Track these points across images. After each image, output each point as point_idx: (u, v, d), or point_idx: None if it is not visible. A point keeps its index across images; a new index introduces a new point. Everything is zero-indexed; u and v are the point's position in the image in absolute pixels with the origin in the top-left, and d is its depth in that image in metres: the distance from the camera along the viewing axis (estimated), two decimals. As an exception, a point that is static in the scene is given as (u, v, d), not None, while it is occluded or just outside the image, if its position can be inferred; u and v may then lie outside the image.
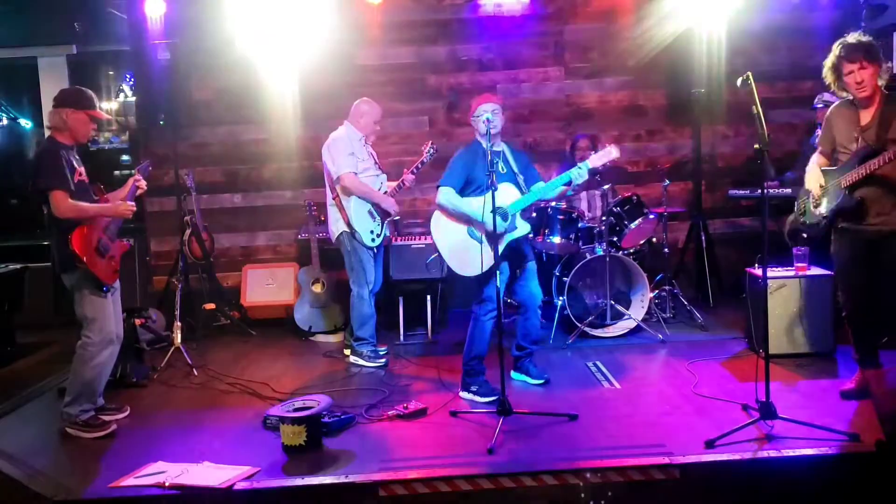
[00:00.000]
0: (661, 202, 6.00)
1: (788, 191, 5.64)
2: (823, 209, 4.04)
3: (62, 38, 7.17)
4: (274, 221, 7.00)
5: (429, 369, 5.11)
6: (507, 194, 4.37)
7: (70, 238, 3.94)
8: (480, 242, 4.36)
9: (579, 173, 4.33)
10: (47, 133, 4.15)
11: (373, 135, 5.30)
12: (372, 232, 5.13)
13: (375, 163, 5.29)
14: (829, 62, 3.97)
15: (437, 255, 4.55)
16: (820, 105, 5.83)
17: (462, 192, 4.45)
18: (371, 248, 5.16)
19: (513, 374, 4.72)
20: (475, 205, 4.37)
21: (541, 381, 4.64)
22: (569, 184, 4.42)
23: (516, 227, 4.44)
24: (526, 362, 4.73)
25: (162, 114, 6.28)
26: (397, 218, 5.61)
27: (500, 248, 4.30)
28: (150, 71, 6.21)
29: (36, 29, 7.13)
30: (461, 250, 4.42)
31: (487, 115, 4.33)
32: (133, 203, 4.23)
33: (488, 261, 4.33)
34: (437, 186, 4.49)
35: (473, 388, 4.44)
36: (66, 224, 3.96)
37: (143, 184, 4.37)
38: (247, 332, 6.26)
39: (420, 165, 5.36)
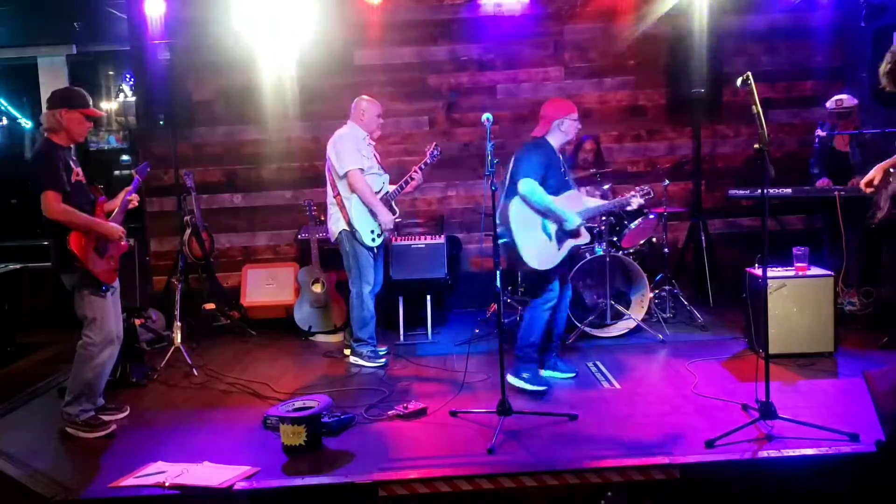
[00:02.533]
0: (661, 202, 6.00)
1: (788, 191, 5.64)
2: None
3: (62, 38, 7.16)
4: (274, 221, 7.01)
5: (429, 369, 5.11)
6: (578, 201, 4.56)
7: (68, 238, 3.93)
8: (551, 239, 4.47)
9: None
10: (44, 134, 4.14)
11: (378, 130, 5.28)
12: (372, 231, 5.11)
13: (378, 163, 5.28)
14: (884, 69, 3.98)
15: (504, 238, 4.33)
16: (832, 106, 5.77)
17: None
18: (371, 249, 5.15)
19: (543, 373, 4.73)
20: (558, 203, 4.48)
21: (572, 375, 4.72)
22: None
23: (580, 235, 4.59)
24: (552, 358, 4.78)
25: (162, 114, 6.27)
26: (399, 220, 5.59)
27: (566, 250, 4.52)
28: (150, 71, 6.21)
29: (36, 29, 7.13)
30: (535, 243, 4.42)
31: (573, 117, 4.51)
32: (121, 229, 4.22)
33: (556, 257, 4.47)
34: (513, 180, 4.41)
35: (525, 375, 4.51)
36: (63, 225, 3.96)
37: (135, 200, 4.37)
38: (247, 332, 6.26)
39: (423, 166, 5.33)
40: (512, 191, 4.43)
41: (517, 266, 4.50)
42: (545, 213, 4.45)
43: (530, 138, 4.61)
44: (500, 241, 4.21)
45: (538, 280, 4.52)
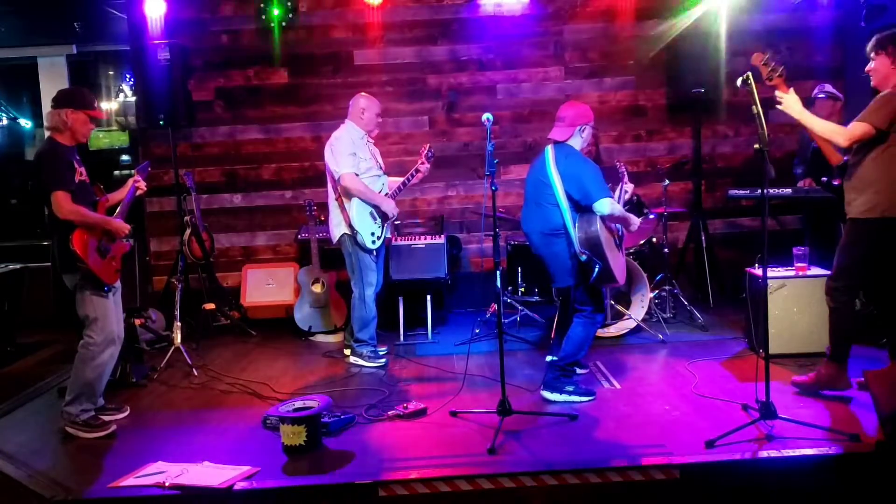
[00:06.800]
0: (661, 202, 6.00)
1: (788, 191, 5.64)
2: None
3: (62, 38, 7.16)
4: (274, 221, 7.01)
5: (429, 369, 5.11)
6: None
7: (71, 238, 3.94)
8: (619, 248, 4.42)
9: None
10: (47, 133, 4.15)
11: (376, 129, 5.26)
12: (373, 234, 5.10)
13: (377, 163, 5.25)
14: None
15: (598, 266, 4.12)
16: (822, 95, 5.84)
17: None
18: (371, 251, 5.15)
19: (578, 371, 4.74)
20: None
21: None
22: None
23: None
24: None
25: (162, 114, 6.27)
26: (398, 222, 5.60)
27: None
28: (150, 71, 6.20)
29: (36, 29, 7.13)
30: (615, 259, 4.29)
31: (592, 125, 4.42)
32: (128, 226, 4.26)
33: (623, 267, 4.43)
34: (589, 201, 4.17)
35: (570, 388, 4.33)
36: (66, 224, 3.97)
37: (142, 185, 4.38)
38: (247, 332, 6.26)
39: (419, 168, 5.27)
40: (584, 212, 4.20)
41: (598, 285, 4.28)
42: (624, 225, 4.44)
43: (550, 141, 4.39)
44: (597, 271, 4.08)
45: (600, 295, 4.41)
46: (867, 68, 4.07)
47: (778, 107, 4.03)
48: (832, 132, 3.97)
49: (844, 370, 4.14)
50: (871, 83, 4.07)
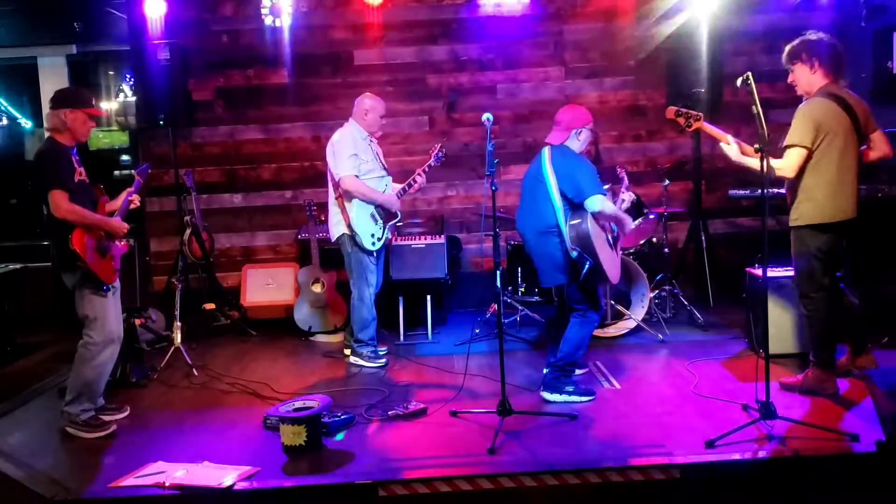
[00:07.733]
0: (661, 202, 6.00)
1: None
2: None
3: (62, 38, 7.15)
4: (274, 221, 7.01)
5: (429, 369, 5.11)
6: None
7: (70, 237, 3.94)
8: (613, 247, 4.44)
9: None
10: (47, 134, 4.16)
11: (380, 130, 5.25)
12: (373, 235, 5.09)
13: (381, 164, 5.23)
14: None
15: (588, 263, 4.14)
16: None
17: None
18: (371, 253, 5.14)
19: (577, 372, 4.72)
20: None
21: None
22: None
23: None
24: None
25: (162, 114, 6.27)
26: (400, 224, 5.60)
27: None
28: (150, 71, 6.20)
29: (36, 29, 7.12)
30: (607, 257, 4.29)
31: (590, 127, 4.43)
32: (127, 225, 4.27)
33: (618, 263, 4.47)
34: (582, 198, 4.19)
35: (570, 389, 4.33)
36: (65, 224, 3.97)
37: (136, 199, 4.39)
38: (247, 332, 6.26)
39: (427, 168, 5.26)
40: (577, 209, 4.23)
41: (590, 283, 4.28)
42: (619, 224, 4.44)
43: (546, 145, 4.40)
44: (587, 268, 4.10)
45: (595, 294, 4.41)
46: (789, 80, 4.22)
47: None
48: (778, 170, 4.05)
49: (832, 373, 4.15)
50: (797, 92, 4.23)
